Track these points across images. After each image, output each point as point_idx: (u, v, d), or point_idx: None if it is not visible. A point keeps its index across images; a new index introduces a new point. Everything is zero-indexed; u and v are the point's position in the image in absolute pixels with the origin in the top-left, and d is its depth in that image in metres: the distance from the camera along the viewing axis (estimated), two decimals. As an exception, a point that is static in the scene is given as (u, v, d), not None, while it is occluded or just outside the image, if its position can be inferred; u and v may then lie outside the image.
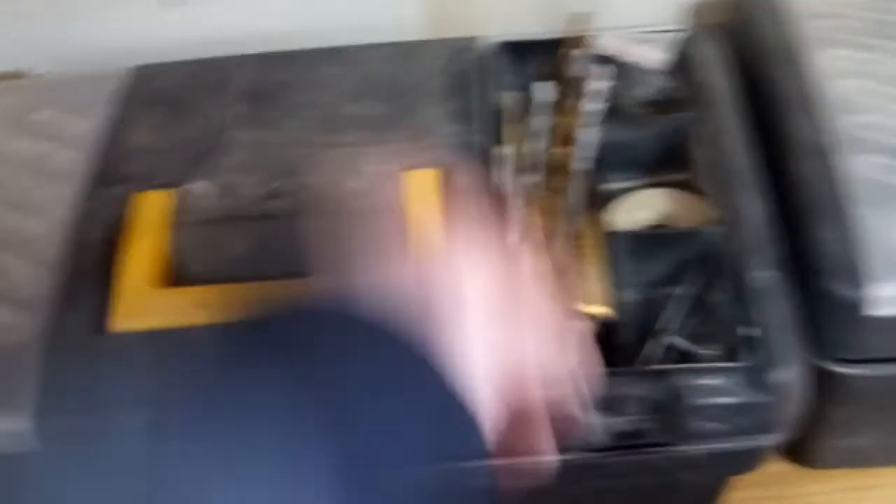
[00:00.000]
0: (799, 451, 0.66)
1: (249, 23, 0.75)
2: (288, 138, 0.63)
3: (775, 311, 0.52)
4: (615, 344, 0.53)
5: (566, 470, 0.53)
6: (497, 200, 0.56)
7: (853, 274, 0.52)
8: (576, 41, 0.66)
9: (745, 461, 0.55)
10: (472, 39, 0.69)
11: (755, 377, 0.51)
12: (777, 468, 0.67)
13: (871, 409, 0.59)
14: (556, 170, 0.58)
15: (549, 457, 0.41)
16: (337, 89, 0.65)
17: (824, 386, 0.56)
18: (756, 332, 0.52)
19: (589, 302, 0.54)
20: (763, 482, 0.66)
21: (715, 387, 0.51)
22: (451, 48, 0.68)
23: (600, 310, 0.54)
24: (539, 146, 0.59)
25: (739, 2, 0.70)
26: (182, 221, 0.58)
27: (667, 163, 0.62)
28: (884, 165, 0.55)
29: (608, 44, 0.66)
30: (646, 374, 0.51)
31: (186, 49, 0.70)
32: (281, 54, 0.69)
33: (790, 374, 0.51)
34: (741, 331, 0.52)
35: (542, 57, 0.67)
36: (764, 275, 0.54)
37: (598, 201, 0.61)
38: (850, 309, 0.52)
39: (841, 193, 0.54)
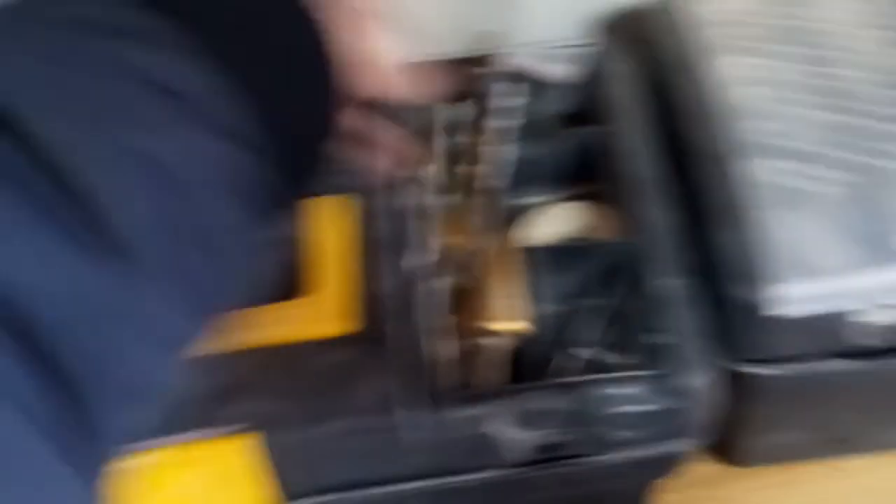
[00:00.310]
0: (727, 451, 0.67)
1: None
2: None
3: (684, 318, 0.53)
4: (532, 358, 0.54)
5: (487, 488, 0.54)
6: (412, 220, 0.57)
7: (754, 277, 0.53)
8: (486, 59, 0.67)
9: (665, 466, 0.56)
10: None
11: (666, 384, 0.51)
12: (708, 468, 0.68)
13: (786, 406, 0.60)
14: (469, 189, 0.59)
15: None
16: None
17: (738, 387, 0.57)
18: (666, 339, 0.53)
19: (504, 318, 0.55)
20: (694, 483, 0.67)
21: (628, 396, 0.52)
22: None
23: (515, 326, 0.55)
24: (450, 166, 0.59)
25: (644, 14, 0.71)
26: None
27: (580, 176, 0.64)
28: (780, 169, 0.56)
29: (518, 61, 0.67)
30: (561, 386, 0.52)
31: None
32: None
33: (700, 379, 0.52)
34: (652, 339, 0.53)
35: (453, 76, 0.67)
36: (672, 282, 0.55)
37: (514, 217, 0.61)
38: (754, 311, 0.53)
39: (740, 198, 0.56)
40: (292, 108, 0.34)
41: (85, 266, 0.25)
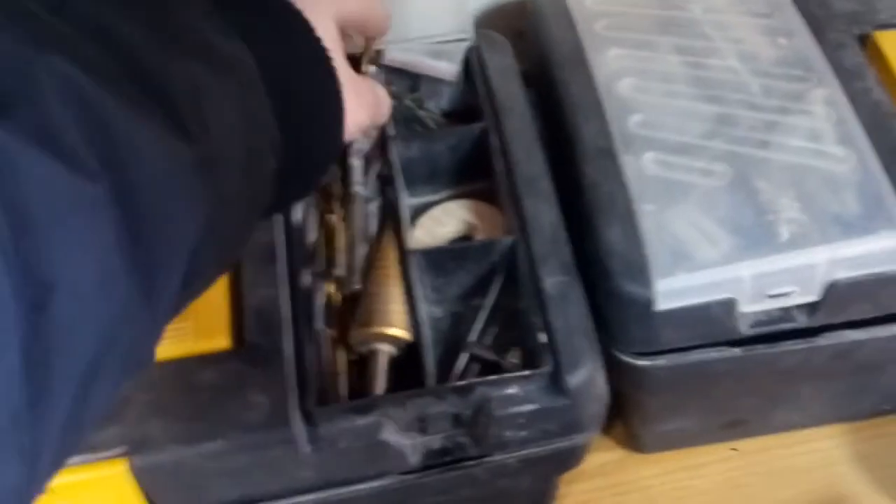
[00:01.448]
0: (630, 439, 0.68)
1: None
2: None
3: (569, 315, 0.54)
4: (421, 362, 0.54)
5: (384, 496, 0.54)
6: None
7: (641, 271, 0.53)
8: (367, 56, 0.67)
9: (562, 461, 0.56)
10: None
11: (555, 381, 0.52)
12: (612, 456, 0.69)
13: (678, 395, 0.61)
14: (347, 195, 0.58)
15: None
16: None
17: (631, 379, 0.58)
18: (553, 336, 0.53)
19: (390, 325, 0.55)
20: (601, 472, 0.69)
21: (518, 395, 0.52)
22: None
23: (401, 332, 0.55)
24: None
25: (527, 7, 0.72)
26: None
27: (467, 174, 0.63)
28: (662, 161, 0.57)
29: (399, 57, 0.66)
30: (450, 390, 0.52)
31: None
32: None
33: (589, 375, 0.52)
34: (539, 337, 0.53)
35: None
36: (558, 279, 0.55)
37: (399, 218, 0.61)
38: (642, 305, 0.54)
39: (625, 192, 0.56)
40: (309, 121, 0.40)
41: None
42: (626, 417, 0.65)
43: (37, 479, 0.26)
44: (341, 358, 0.55)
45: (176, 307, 0.32)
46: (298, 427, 0.49)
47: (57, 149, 0.24)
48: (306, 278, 0.56)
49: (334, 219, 0.58)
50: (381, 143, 0.62)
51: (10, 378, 0.23)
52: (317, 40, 0.40)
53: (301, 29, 0.40)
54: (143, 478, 0.49)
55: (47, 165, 0.24)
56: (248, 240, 0.39)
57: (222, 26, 0.35)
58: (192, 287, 0.33)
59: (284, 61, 0.38)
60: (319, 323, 0.54)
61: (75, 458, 0.47)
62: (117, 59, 0.28)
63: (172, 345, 0.51)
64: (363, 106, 0.46)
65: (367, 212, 0.60)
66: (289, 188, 0.41)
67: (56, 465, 0.27)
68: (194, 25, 0.34)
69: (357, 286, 0.56)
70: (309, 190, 0.46)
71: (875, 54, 0.61)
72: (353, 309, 0.56)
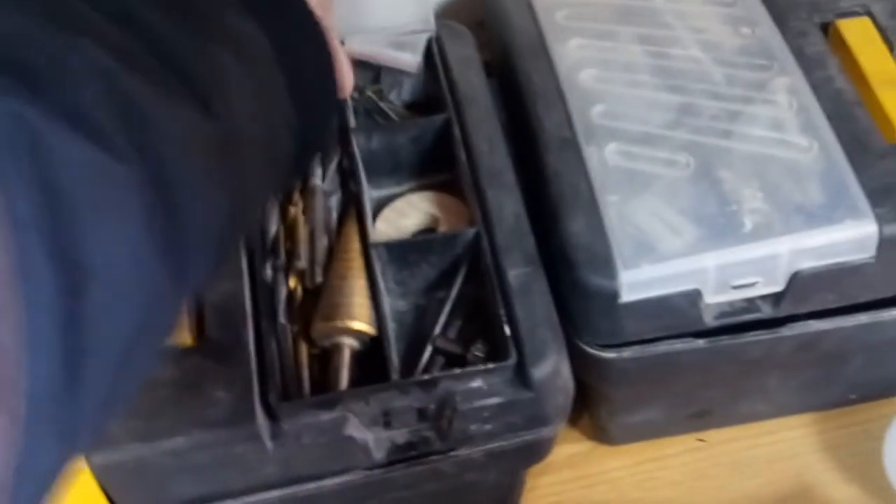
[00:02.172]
0: (597, 431, 0.68)
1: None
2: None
3: (533, 307, 0.53)
4: (386, 356, 0.53)
5: (350, 491, 0.53)
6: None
7: (605, 262, 0.53)
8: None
9: (528, 454, 0.56)
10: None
11: (520, 374, 0.51)
12: (580, 448, 0.69)
13: (646, 386, 0.61)
14: (308, 190, 0.58)
15: None
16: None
17: (596, 371, 0.57)
18: (517, 329, 0.52)
19: (354, 318, 0.54)
20: (569, 464, 0.68)
21: (480, 388, 0.51)
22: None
23: (365, 326, 0.54)
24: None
25: (486, -1, 0.71)
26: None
27: (430, 166, 0.63)
28: (623, 152, 0.57)
29: (360, 48, 0.66)
30: (414, 384, 0.51)
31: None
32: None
33: (551, 367, 0.52)
34: (503, 329, 0.52)
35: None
36: (522, 271, 0.55)
37: (361, 210, 0.60)
38: (606, 297, 0.53)
39: (588, 183, 0.56)
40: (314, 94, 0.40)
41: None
42: (593, 409, 0.65)
43: (71, 458, 0.26)
44: (304, 353, 0.54)
45: (203, 285, 0.33)
46: (261, 423, 0.49)
47: (89, 130, 0.24)
48: (267, 272, 0.55)
49: (294, 211, 0.58)
50: (341, 134, 0.61)
51: (51, 361, 0.23)
52: (310, 12, 0.40)
53: (296, 2, 0.40)
54: (104, 476, 0.48)
55: (81, 146, 0.24)
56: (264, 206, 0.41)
57: (237, 6, 0.36)
58: (218, 263, 0.33)
59: (288, 36, 0.39)
60: (281, 317, 0.54)
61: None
62: (143, 44, 0.29)
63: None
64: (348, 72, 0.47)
65: (328, 204, 0.60)
66: (299, 162, 0.41)
67: (88, 444, 0.27)
68: (213, 8, 0.34)
69: (319, 279, 0.56)
70: (310, 163, 0.48)
71: (837, 43, 0.61)
72: (316, 302, 0.55)
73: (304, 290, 0.56)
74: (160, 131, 0.27)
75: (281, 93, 0.37)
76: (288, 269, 0.56)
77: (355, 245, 0.57)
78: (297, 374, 0.54)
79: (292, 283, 0.56)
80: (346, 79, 0.48)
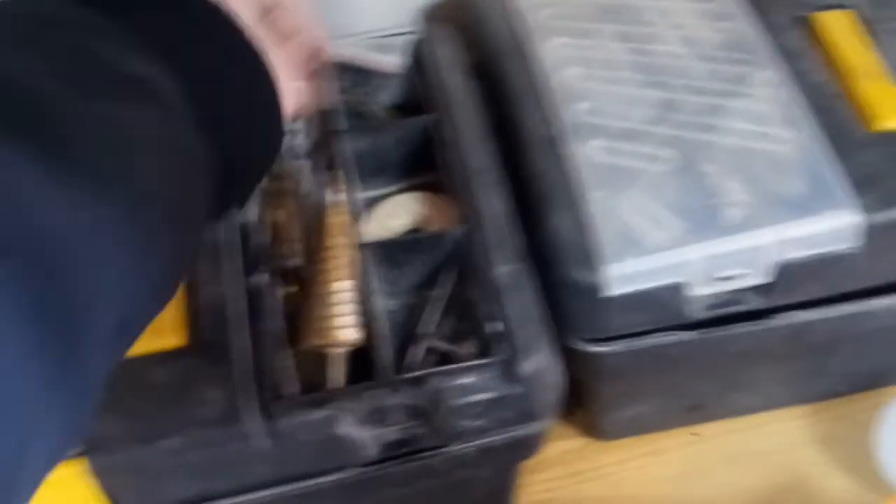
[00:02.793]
0: (590, 427, 0.69)
1: None
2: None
3: (521, 303, 0.54)
4: (375, 354, 0.54)
5: (344, 489, 0.53)
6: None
7: (588, 258, 0.53)
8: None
9: (521, 450, 0.56)
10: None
11: (508, 370, 0.52)
12: (573, 444, 0.70)
13: (637, 380, 0.61)
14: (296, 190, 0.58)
15: None
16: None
17: (586, 366, 0.58)
18: (505, 325, 0.53)
19: (339, 333, 0.54)
20: (562, 461, 0.69)
21: (472, 385, 0.52)
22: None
23: (353, 334, 0.54)
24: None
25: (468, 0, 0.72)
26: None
27: (415, 167, 0.63)
28: (607, 148, 0.57)
29: (344, 51, 0.66)
30: (405, 381, 0.52)
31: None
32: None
33: (541, 363, 0.52)
34: (491, 326, 0.53)
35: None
36: (508, 268, 0.55)
37: (354, 212, 0.61)
38: (590, 292, 0.54)
39: (571, 180, 0.56)
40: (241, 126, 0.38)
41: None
42: (586, 405, 0.65)
43: None
44: (296, 353, 0.55)
45: (116, 353, 0.31)
46: (255, 422, 0.49)
47: None
48: (260, 274, 0.55)
49: (283, 214, 0.58)
50: (326, 137, 0.62)
51: None
52: (239, 42, 0.38)
53: (222, 24, 0.38)
54: (102, 477, 0.48)
55: None
56: (196, 257, 0.38)
57: (139, 49, 0.33)
58: (131, 329, 0.31)
59: (211, 66, 0.37)
60: (274, 318, 0.54)
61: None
62: (23, 112, 0.26)
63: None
64: (297, 75, 0.45)
65: (319, 205, 0.60)
66: (236, 190, 0.40)
67: None
68: (109, 57, 0.32)
69: (311, 281, 0.56)
70: (257, 184, 0.44)
71: (817, 36, 0.62)
72: (307, 302, 0.56)
73: (301, 288, 0.57)
74: (39, 220, 0.25)
75: (192, 137, 0.34)
76: (281, 268, 0.56)
77: (341, 243, 0.57)
78: (289, 376, 0.54)
79: (286, 285, 0.56)
80: (294, 102, 0.45)
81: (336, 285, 0.55)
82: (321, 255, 0.56)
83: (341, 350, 0.54)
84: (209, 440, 0.49)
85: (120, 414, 0.49)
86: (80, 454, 0.48)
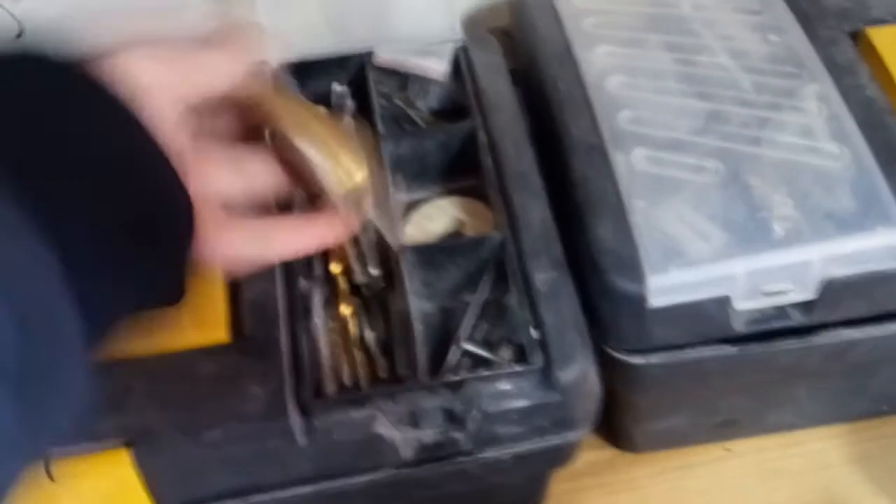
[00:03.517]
0: (621, 438, 0.68)
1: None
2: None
3: (562, 311, 0.53)
4: (414, 356, 0.53)
5: (378, 489, 0.53)
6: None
7: (633, 267, 0.53)
8: (359, 57, 0.67)
9: (553, 458, 0.56)
10: (259, 63, 0.68)
11: (546, 378, 0.51)
12: (604, 456, 0.69)
13: (673, 393, 0.60)
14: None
15: None
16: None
17: (623, 377, 0.57)
18: (544, 332, 0.52)
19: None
20: (591, 471, 0.68)
21: (509, 391, 0.51)
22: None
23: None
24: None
25: (514, 6, 0.71)
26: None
27: (456, 171, 0.63)
28: (651, 157, 0.57)
29: (390, 57, 0.67)
30: (444, 384, 0.52)
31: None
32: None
33: (580, 372, 0.52)
34: (530, 333, 0.52)
35: (329, 75, 0.67)
36: (549, 275, 0.55)
37: (394, 216, 0.61)
38: (634, 302, 0.53)
39: (615, 188, 0.56)
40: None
41: None
42: (618, 416, 0.65)
43: None
44: (337, 350, 0.55)
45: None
46: (295, 418, 0.49)
47: None
48: (303, 273, 0.55)
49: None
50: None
51: None
52: (162, 166, 0.32)
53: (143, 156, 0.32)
54: (144, 467, 0.49)
55: None
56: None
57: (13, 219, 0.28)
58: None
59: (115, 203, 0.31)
60: (316, 316, 0.54)
61: (78, 448, 0.47)
62: None
63: (171, 338, 0.51)
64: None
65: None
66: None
67: None
68: None
69: (375, 272, 0.56)
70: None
71: (868, 51, 0.61)
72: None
73: (352, 285, 0.57)
74: None
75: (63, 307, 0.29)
76: (328, 266, 0.56)
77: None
78: (330, 374, 0.54)
79: (339, 279, 0.56)
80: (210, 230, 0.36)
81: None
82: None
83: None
84: (249, 435, 0.49)
85: (163, 406, 0.49)
86: (124, 444, 0.48)
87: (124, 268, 0.32)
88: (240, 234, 0.38)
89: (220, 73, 0.37)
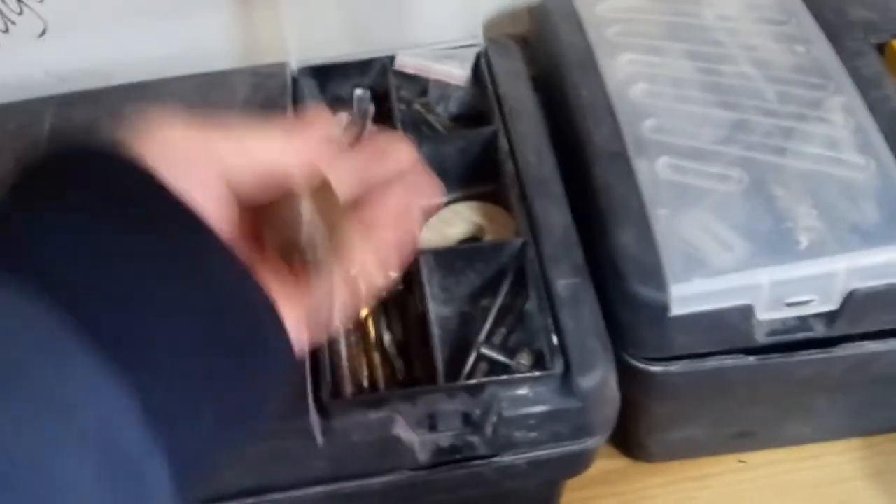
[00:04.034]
0: (635, 447, 0.67)
1: (47, 66, 0.73)
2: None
3: (582, 317, 0.53)
4: (433, 360, 0.53)
5: (393, 491, 0.53)
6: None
7: (655, 275, 0.53)
8: (381, 62, 0.67)
9: (569, 465, 0.56)
10: (280, 66, 0.68)
11: (565, 384, 0.51)
12: (616, 465, 0.68)
13: (691, 403, 0.60)
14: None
15: None
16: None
17: (641, 385, 0.57)
18: (564, 338, 0.52)
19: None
20: (603, 480, 0.68)
21: (526, 396, 0.51)
22: (258, 75, 0.67)
23: None
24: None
25: (535, 12, 0.71)
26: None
27: (475, 176, 0.63)
28: (676, 166, 0.57)
29: (411, 62, 0.67)
30: (462, 388, 0.51)
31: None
32: (82, 94, 0.67)
33: (599, 379, 0.52)
34: (549, 339, 0.52)
35: (350, 79, 0.67)
36: (570, 281, 0.54)
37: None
38: (656, 310, 0.53)
39: (638, 196, 0.55)
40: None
41: None
42: (633, 425, 0.64)
43: None
44: (356, 352, 0.54)
45: None
46: (312, 418, 0.49)
47: None
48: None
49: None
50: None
51: None
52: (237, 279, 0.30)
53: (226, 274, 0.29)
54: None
55: None
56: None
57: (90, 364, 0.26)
58: None
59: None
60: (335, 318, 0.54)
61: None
62: None
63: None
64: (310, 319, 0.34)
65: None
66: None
67: None
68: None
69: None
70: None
71: (894, 63, 0.61)
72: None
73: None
74: None
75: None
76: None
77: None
78: (347, 375, 0.54)
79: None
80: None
81: None
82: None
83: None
84: (268, 433, 0.49)
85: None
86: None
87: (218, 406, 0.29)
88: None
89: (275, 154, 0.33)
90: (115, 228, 0.27)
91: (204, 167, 0.30)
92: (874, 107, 0.58)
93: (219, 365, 0.29)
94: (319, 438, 0.49)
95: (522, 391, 0.51)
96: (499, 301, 0.57)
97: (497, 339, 0.56)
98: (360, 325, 0.56)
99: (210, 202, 0.30)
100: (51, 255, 0.26)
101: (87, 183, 0.28)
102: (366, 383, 0.54)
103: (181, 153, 0.30)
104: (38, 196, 0.28)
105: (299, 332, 0.32)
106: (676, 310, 0.52)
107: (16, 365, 0.24)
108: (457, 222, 0.62)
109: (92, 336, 0.25)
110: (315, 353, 0.51)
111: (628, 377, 0.55)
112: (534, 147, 0.62)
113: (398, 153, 0.36)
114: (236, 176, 0.31)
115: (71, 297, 0.26)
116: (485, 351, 0.55)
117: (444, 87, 0.68)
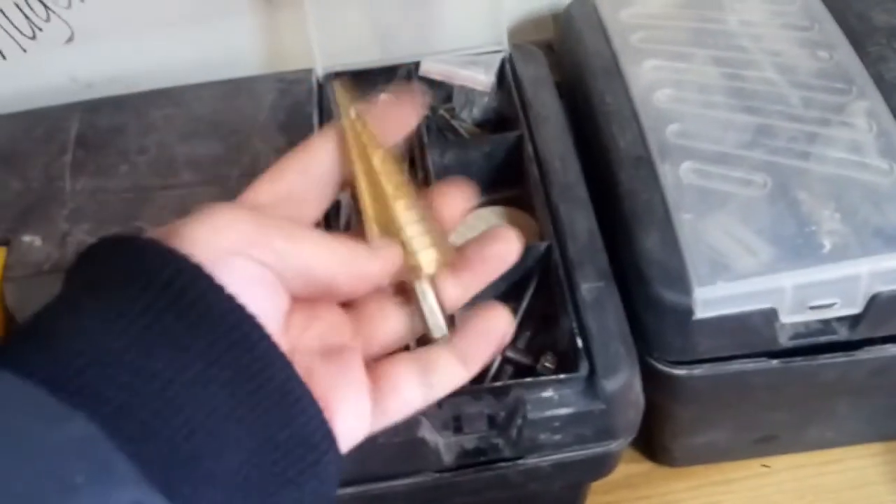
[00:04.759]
0: (659, 451, 0.68)
1: (73, 72, 0.74)
2: (120, 184, 0.62)
3: (607, 320, 0.53)
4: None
5: (418, 493, 0.53)
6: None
7: (680, 279, 0.53)
8: (406, 68, 0.67)
9: (593, 468, 0.56)
10: (305, 72, 0.69)
11: (589, 386, 0.52)
12: (641, 469, 0.69)
13: (715, 406, 0.60)
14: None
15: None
16: (168, 131, 0.65)
17: (665, 388, 0.57)
18: (588, 341, 0.52)
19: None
20: (627, 484, 0.68)
21: (551, 399, 0.52)
22: (284, 81, 0.68)
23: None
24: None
25: (560, 19, 0.72)
26: (14, 276, 0.57)
27: (499, 181, 0.63)
28: (700, 171, 0.57)
29: (436, 68, 0.67)
30: (486, 390, 0.52)
31: (9, 103, 0.69)
32: (108, 100, 0.68)
33: (623, 382, 0.52)
34: (574, 342, 0.53)
35: (375, 85, 0.68)
36: (594, 285, 0.55)
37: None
38: (680, 313, 0.53)
39: (662, 200, 0.56)
40: None
41: None
42: (657, 429, 0.64)
43: None
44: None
45: None
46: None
47: None
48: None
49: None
50: (416, 149, 0.62)
51: None
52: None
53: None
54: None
55: None
56: None
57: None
58: None
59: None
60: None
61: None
62: None
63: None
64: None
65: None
66: None
67: None
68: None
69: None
70: None
71: (917, 68, 0.61)
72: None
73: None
74: None
75: None
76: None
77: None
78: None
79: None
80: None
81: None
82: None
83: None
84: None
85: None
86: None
87: None
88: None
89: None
90: (172, 354, 0.27)
91: (260, 264, 0.30)
92: (898, 112, 0.58)
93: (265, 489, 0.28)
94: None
95: (547, 394, 0.51)
96: (524, 304, 0.58)
97: (522, 342, 0.57)
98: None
99: (265, 301, 0.29)
100: (111, 393, 0.26)
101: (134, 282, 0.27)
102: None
103: (238, 245, 0.29)
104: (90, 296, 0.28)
105: (361, 423, 0.33)
106: (700, 313, 0.53)
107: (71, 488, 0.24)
108: (480, 227, 0.62)
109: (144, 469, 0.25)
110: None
111: (652, 380, 0.56)
112: (558, 152, 0.62)
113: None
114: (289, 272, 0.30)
115: (129, 438, 0.25)
116: (510, 354, 0.56)
117: (469, 92, 0.68)
